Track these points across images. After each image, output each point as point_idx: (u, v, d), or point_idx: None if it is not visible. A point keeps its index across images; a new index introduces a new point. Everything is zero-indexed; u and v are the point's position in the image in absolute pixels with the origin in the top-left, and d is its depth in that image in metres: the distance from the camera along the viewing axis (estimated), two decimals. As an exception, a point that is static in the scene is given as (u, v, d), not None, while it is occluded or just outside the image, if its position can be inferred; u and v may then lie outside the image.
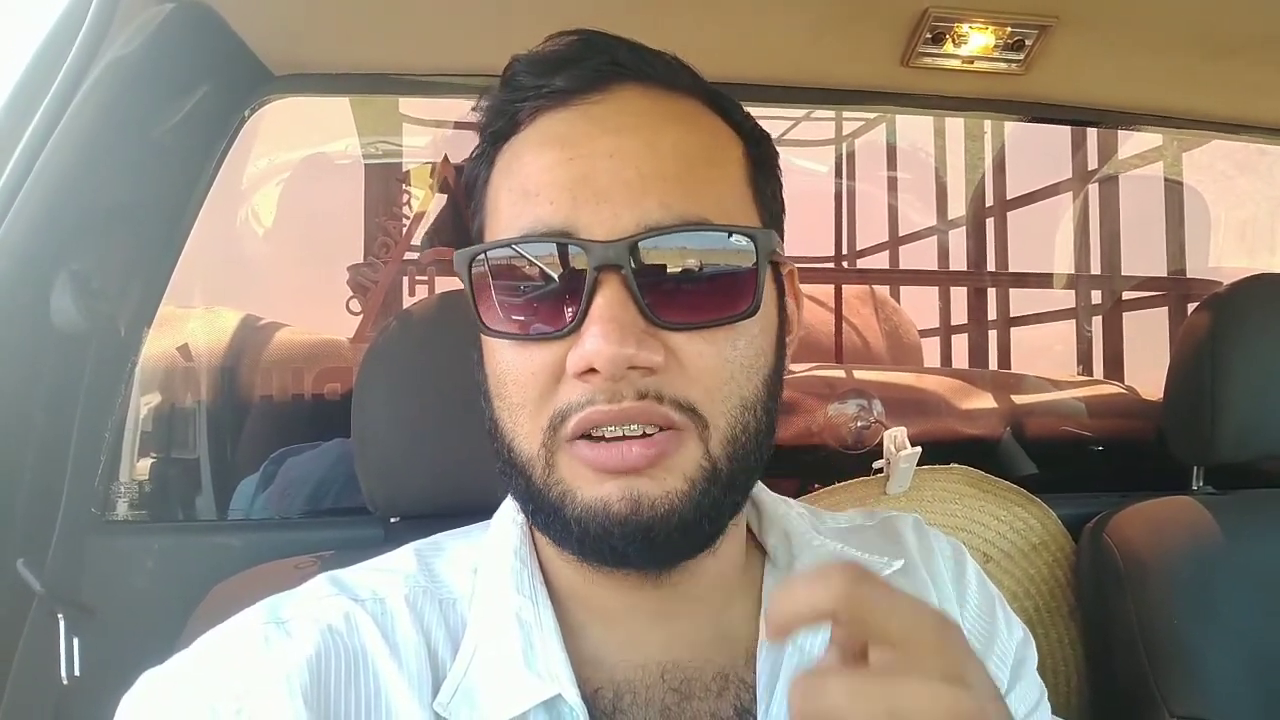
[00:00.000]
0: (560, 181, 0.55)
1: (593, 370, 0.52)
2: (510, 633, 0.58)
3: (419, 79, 1.33)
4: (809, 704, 0.42)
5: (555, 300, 0.54)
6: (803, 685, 0.43)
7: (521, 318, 0.55)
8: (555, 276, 0.54)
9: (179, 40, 1.01)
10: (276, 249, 2.33)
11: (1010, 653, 0.70)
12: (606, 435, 0.53)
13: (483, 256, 0.56)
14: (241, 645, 0.56)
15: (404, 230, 1.64)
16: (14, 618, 0.96)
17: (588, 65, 0.57)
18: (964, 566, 0.73)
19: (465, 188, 0.64)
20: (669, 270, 0.54)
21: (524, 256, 0.55)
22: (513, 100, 0.59)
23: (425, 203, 1.78)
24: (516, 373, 0.56)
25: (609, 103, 0.57)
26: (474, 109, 0.62)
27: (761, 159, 0.63)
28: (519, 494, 0.59)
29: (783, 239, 0.63)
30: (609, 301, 0.52)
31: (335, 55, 1.24)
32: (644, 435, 0.53)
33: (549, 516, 0.56)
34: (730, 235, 0.56)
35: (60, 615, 0.95)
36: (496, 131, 0.60)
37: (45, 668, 0.94)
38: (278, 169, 2.27)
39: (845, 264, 3.04)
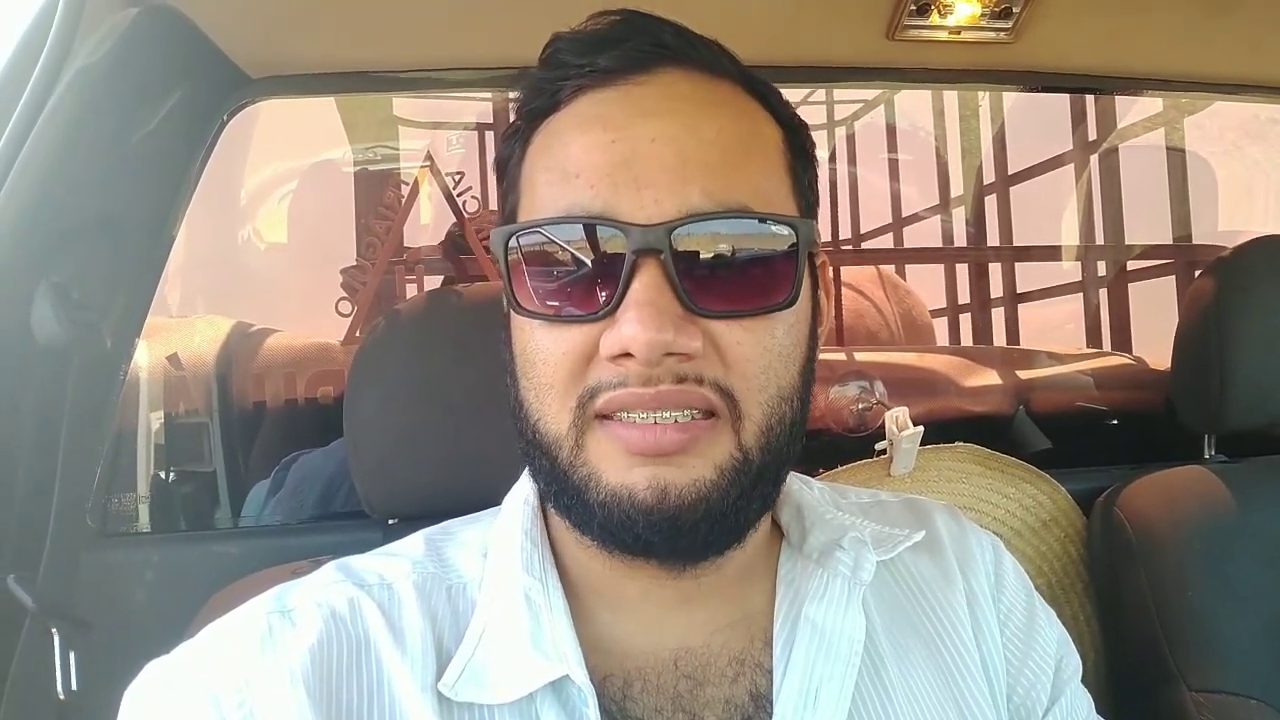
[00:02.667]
0: (601, 165, 0.54)
1: (628, 355, 0.51)
2: (519, 614, 0.57)
3: (404, 76, 1.31)
4: None
5: (590, 282, 0.54)
6: None
7: (556, 299, 0.55)
8: (592, 259, 0.53)
9: (147, 45, 1.00)
10: (282, 259, 2.34)
11: (1051, 652, 0.69)
12: (638, 420, 0.52)
13: (517, 236, 0.56)
14: (245, 634, 0.56)
15: (389, 229, 1.63)
16: (8, 634, 0.96)
17: (632, 46, 0.57)
18: (1002, 560, 0.72)
19: (498, 165, 0.63)
20: (707, 257, 0.53)
21: (560, 238, 0.54)
22: (554, 78, 0.58)
23: (410, 201, 1.78)
24: (547, 353, 0.55)
25: (652, 85, 0.56)
26: (515, 82, 0.61)
27: (799, 147, 0.62)
28: (542, 475, 0.58)
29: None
30: (647, 286, 0.52)
31: (314, 55, 1.23)
32: (676, 422, 0.52)
33: (571, 499, 0.55)
34: (771, 224, 0.55)
35: (55, 630, 0.94)
36: (535, 109, 0.59)
37: (41, 683, 0.93)
38: (280, 178, 2.27)
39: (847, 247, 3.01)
